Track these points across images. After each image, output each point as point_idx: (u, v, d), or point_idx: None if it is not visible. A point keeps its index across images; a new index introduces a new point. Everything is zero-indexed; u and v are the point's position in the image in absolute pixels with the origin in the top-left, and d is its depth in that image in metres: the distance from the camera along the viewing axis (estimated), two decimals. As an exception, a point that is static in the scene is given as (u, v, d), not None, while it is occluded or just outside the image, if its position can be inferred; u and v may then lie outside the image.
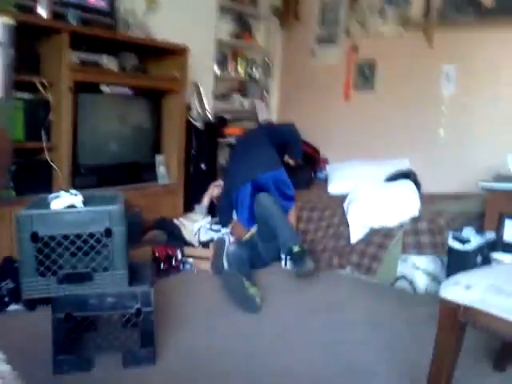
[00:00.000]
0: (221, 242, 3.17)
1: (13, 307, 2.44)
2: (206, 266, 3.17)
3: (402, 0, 4.24)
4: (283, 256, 3.21)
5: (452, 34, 3.96)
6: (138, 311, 1.96)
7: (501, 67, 3.80)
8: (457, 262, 2.74)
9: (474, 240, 2.78)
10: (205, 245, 3.27)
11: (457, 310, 1.63)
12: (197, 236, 3.28)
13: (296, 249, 2.84)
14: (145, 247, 2.96)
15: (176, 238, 3.23)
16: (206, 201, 3.66)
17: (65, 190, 1.99)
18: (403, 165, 3.99)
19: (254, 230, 3.29)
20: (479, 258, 2.78)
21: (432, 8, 4.00)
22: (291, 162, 3.75)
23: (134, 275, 2.04)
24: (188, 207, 3.69)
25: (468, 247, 2.76)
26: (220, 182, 3.72)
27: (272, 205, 3.09)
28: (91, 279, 1.93)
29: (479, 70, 3.89)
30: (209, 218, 3.45)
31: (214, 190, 3.70)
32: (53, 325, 1.91)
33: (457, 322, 1.64)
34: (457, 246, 2.79)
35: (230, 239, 3.22)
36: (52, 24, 2.80)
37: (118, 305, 1.96)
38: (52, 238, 1.87)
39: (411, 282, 2.96)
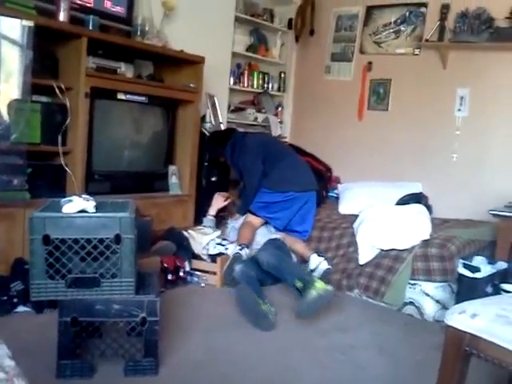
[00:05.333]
0: (238, 258, 3.09)
1: (21, 309, 2.46)
2: (213, 279, 3.16)
3: (416, 20, 4.28)
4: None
5: (466, 55, 3.97)
6: (144, 320, 1.95)
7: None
8: (466, 291, 2.71)
9: (485, 269, 2.75)
10: (213, 259, 3.25)
11: (462, 339, 1.60)
12: (206, 249, 3.27)
13: (298, 284, 2.71)
14: (153, 257, 2.96)
15: (185, 250, 3.22)
16: (213, 212, 3.62)
17: (78, 195, 2.01)
18: (415, 188, 3.98)
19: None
20: (489, 288, 2.74)
21: (446, 29, 4.01)
22: None
23: (141, 284, 2.05)
24: (198, 219, 3.68)
25: (478, 276, 2.72)
26: (224, 193, 3.71)
27: (274, 260, 2.98)
28: (99, 285, 1.93)
29: (494, 93, 3.88)
30: (218, 232, 3.43)
31: (219, 200, 3.66)
32: (59, 328, 1.91)
33: (462, 350, 1.61)
34: (467, 273, 2.76)
35: (246, 254, 3.15)
36: (71, 29, 2.83)
37: (124, 312, 1.96)
38: (63, 241, 1.88)
39: (419, 308, 2.93)
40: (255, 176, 3.50)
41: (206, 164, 3.82)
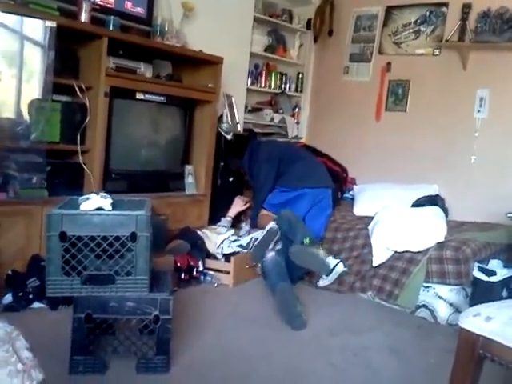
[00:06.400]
0: (274, 232, 3.16)
1: (36, 305, 2.50)
2: (227, 279, 3.18)
3: (437, 20, 4.24)
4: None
5: (487, 55, 3.91)
6: (157, 318, 1.97)
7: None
8: (481, 294, 2.68)
9: (500, 272, 2.72)
10: (227, 258, 3.26)
11: (476, 342, 1.60)
12: (220, 249, 3.29)
13: (306, 241, 2.93)
14: (168, 255, 2.99)
15: (199, 249, 3.24)
16: (232, 214, 3.68)
17: (95, 193, 2.04)
18: (432, 190, 3.94)
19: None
20: (505, 292, 2.71)
21: (467, 29, 3.96)
22: None
23: (155, 282, 2.07)
24: (213, 219, 3.71)
25: (493, 279, 2.69)
26: (244, 198, 3.78)
27: (293, 216, 3.15)
28: (113, 282, 1.96)
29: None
30: (232, 231, 3.46)
31: (239, 203, 3.72)
32: (73, 324, 1.94)
33: (475, 353, 1.61)
34: (482, 277, 2.73)
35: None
36: (93, 29, 2.87)
37: (137, 310, 1.98)
38: (79, 238, 1.91)
39: (432, 312, 2.90)
40: (264, 190, 3.56)
41: (222, 164, 3.85)
